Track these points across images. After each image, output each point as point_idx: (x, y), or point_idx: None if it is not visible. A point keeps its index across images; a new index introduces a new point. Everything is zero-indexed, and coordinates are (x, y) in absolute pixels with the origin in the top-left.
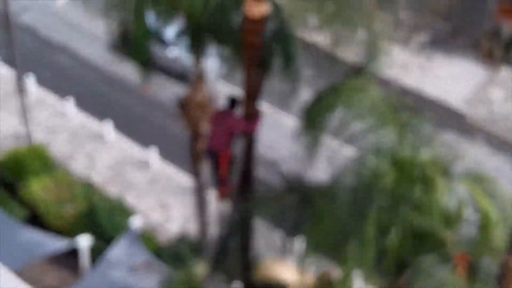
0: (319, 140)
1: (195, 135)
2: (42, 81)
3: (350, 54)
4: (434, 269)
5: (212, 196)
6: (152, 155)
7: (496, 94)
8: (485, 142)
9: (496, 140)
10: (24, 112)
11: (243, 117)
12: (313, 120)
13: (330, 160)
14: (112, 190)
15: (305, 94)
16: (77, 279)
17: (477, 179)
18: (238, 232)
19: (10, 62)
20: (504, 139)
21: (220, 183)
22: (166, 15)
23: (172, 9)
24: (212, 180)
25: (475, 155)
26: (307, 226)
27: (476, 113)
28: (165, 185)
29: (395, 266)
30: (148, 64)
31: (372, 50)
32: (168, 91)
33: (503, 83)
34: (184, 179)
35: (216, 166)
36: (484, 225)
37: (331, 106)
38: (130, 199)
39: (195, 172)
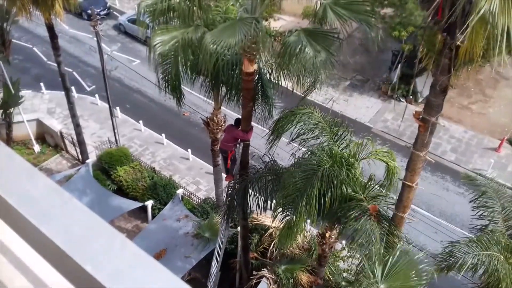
0: (277, 142)
1: (214, 141)
2: (125, 110)
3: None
4: (356, 217)
5: (223, 177)
6: (189, 153)
7: (388, 115)
8: (383, 144)
9: (389, 142)
10: (114, 128)
11: (243, 130)
12: (278, 131)
13: (292, 154)
14: (166, 173)
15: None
16: (145, 225)
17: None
18: (239, 197)
19: (106, 99)
20: (393, 142)
21: (227, 171)
22: (192, 70)
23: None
24: (224, 168)
25: (373, 146)
26: (278, 193)
27: (377, 127)
28: (196, 171)
29: (332, 216)
30: (180, 99)
31: (316, 90)
32: (198, 115)
33: (392, 110)
34: (207, 167)
35: (226, 160)
36: (389, 177)
37: (291, 122)
38: (176, 179)
39: (213, 162)
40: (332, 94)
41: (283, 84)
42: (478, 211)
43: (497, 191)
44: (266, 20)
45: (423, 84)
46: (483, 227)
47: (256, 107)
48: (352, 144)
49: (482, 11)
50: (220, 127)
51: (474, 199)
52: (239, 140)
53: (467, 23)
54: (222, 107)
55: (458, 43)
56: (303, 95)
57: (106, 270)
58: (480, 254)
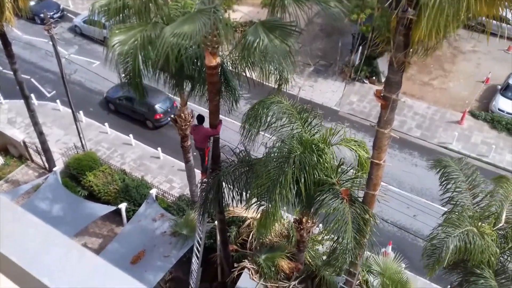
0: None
1: (183, 137)
2: (88, 114)
3: (271, 81)
4: (330, 201)
5: (198, 173)
6: (159, 152)
7: (353, 98)
8: (350, 126)
9: (356, 124)
10: (80, 133)
11: (211, 126)
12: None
13: (264, 144)
14: (137, 174)
15: (247, 108)
16: (121, 228)
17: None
18: (213, 191)
19: (68, 104)
20: (360, 123)
21: (205, 168)
22: (154, 67)
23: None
24: (201, 165)
25: (345, 132)
26: (252, 183)
27: (343, 110)
28: (168, 169)
29: (306, 202)
30: (144, 97)
31: (283, 79)
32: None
33: (357, 92)
34: (179, 164)
35: (203, 157)
36: (361, 166)
37: (262, 112)
38: (148, 179)
39: (185, 159)
40: (297, 81)
41: (249, 75)
42: (444, 184)
43: (460, 163)
44: (225, 11)
45: (385, 64)
46: (450, 199)
47: (222, 99)
48: (322, 130)
49: None
50: (188, 123)
51: (438, 173)
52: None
53: None
54: (188, 103)
55: (411, 16)
56: (275, 87)
57: (64, 282)
58: (456, 233)
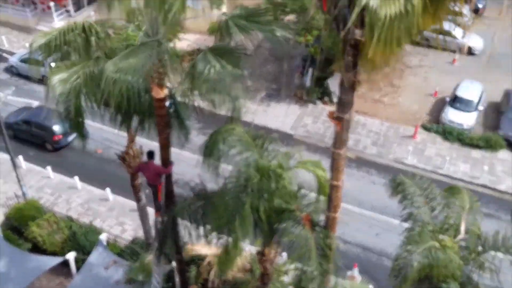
0: (214, 164)
1: (133, 175)
2: (29, 158)
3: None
4: (292, 229)
5: (152, 212)
6: (108, 193)
7: (307, 120)
8: (306, 148)
9: (312, 146)
10: (20, 180)
11: (163, 161)
12: (208, 152)
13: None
14: (85, 219)
15: (200, 139)
16: (70, 281)
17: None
18: (169, 230)
19: (5, 150)
20: (316, 145)
21: (158, 206)
22: (99, 103)
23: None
24: (154, 202)
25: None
26: (210, 217)
27: (298, 133)
28: (119, 210)
29: (268, 231)
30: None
31: (235, 107)
32: (112, 150)
33: (310, 113)
34: (130, 204)
35: (155, 194)
36: (320, 187)
37: (217, 142)
38: (98, 223)
39: (136, 198)
40: (250, 107)
41: (201, 104)
42: (402, 201)
43: (414, 178)
44: (171, 41)
45: (336, 84)
46: (409, 215)
47: (173, 132)
48: (278, 154)
49: (363, 2)
50: (137, 160)
51: (395, 191)
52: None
53: (353, 16)
54: (138, 137)
55: (358, 38)
56: (229, 116)
57: None
58: (418, 250)
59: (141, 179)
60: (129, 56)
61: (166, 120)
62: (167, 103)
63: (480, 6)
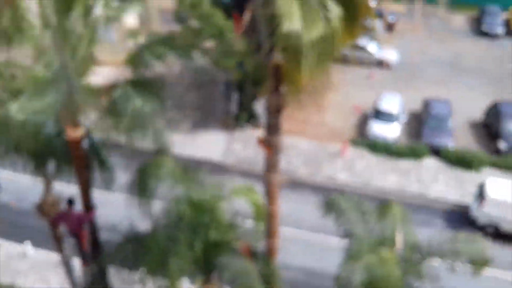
0: (144, 201)
1: (53, 225)
2: None
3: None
4: (230, 261)
5: (78, 262)
6: (28, 247)
7: (237, 145)
8: (240, 175)
9: (245, 173)
10: None
11: (84, 207)
12: (137, 190)
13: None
14: (4, 280)
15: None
16: None
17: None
18: (99, 280)
19: None
20: (249, 171)
21: (84, 255)
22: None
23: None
24: (79, 252)
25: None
26: (143, 260)
27: (229, 160)
28: (42, 265)
29: (207, 267)
30: None
31: (160, 140)
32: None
33: (239, 139)
34: (54, 257)
35: (80, 243)
36: (256, 213)
37: (145, 178)
38: (20, 283)
39: (59, 250)
40: (175, 138)
41: (123, 140)
42: (337, 219)
43: (346, 195)
44: (83, 76)
45: (263, 107)
46: (346, 232)
47: (95, 173)
48: (210, 186)
49: (287, 28)
50: (56, 209)
51: (328, 210)
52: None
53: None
54: (55, 182)
55: (279, 62)
56: (155, 149)
57: None
58: (358, 266)
59: (63, 229)
60: (37, 95)
61: (84, 161)
62: (84, 143)
63: (392, 20)
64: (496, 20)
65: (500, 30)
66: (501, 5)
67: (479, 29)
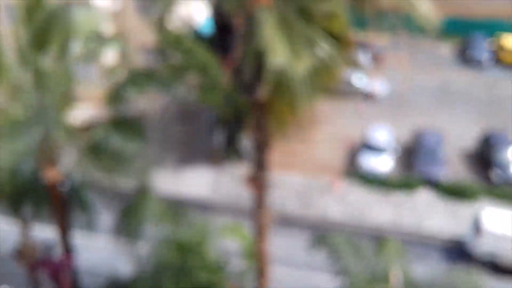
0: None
1: (31, 269)
2: None
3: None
4: None
5: None
6: None
7: (224, 181)
8: (227, 212)
9: (233, 209)
10: None
11: (65, 250)
12: (121, 231)
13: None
14: None
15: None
16: None
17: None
18: None
19: None
20: (237, 208)
21: None
22: None
23: None
24: None
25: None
26: None
27: (217, 196)
28: None
29: None
30: None
31: (143, 180)
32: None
33: (227, 175)
34: None
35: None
36: (246, 252)
37: (129, 218)
38: None
39: None
40: (159, 176)
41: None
42: (331, 256)
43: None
44: (61, 114)
45: (250, 143)
46: (341, 269)
47: (75, 215)
48: (197, 225)
49: (274, 65)
50: (34, 254)
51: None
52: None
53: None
54: (34, 226)
55: (265, 98)
56: (138, 188)
57: None
58: None
59: (43, 274)
60: (13, 137)
61: (63, 203)
62: (63, 184)
63: (378, 53)
64: (481, 49)
65: (485, 58)
66: (485, 33)
67: (464, 58)
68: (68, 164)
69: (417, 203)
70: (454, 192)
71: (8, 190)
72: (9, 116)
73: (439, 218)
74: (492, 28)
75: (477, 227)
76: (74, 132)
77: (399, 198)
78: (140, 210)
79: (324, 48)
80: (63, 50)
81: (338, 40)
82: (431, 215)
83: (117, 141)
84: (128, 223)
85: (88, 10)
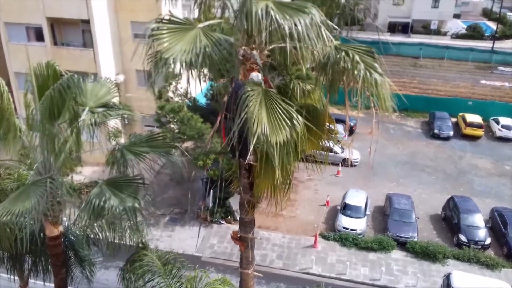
0: None
1: None
2: None
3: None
4: None
5: None
6: None
7: (213, 240)
8: (215, 269)
9: (221, 266)
10: None
11: None
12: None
13: None
14: None
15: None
16: None
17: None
18: None
19: None
20: (225, 265)
21: None
22: None
23: None
24: None
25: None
26: None
27: (205, 254)
28: None
29: None
30: None
31: (138, 236)
32: None
33: (215, 233)
34: None
35: None
36: None
37: (135, 271)
38: None
39: None
40: (154, 234)
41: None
42: None
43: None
44: (68, 175)
45: (237, 203)
46: None
47: (73, 271)
48: (186, 280)
49: (256, 131)
50: None
51: None
52: None
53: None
54: (32, 280)
55: (251, 163)
56: (132, 245)
57: None
58: None
59: None
60: (20, 197)
61: (62, 259)
62: (62, 240)
63: (352, 124)
64: (446, 124)
65: (450, 132)
66: (448, 110)
67: (430, 132)
68: (68, 221)
69: (392, 262)
70: (425, 253)
71: (10, 246)
72: (18, 178)
73: (413, 278)
74: (454, 105)
75: (447, 287)
76: (77, 192)
77: (375, 257)
78: (140, 265)
79: (300, 122)
80: (74, 118)
81: (316, 114)
82: (406, 274)
83: (112, 202)
84: (129, 278)
85: (97, 81)
